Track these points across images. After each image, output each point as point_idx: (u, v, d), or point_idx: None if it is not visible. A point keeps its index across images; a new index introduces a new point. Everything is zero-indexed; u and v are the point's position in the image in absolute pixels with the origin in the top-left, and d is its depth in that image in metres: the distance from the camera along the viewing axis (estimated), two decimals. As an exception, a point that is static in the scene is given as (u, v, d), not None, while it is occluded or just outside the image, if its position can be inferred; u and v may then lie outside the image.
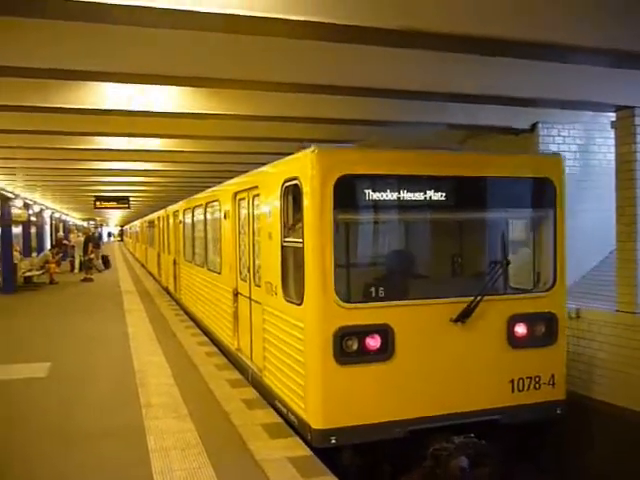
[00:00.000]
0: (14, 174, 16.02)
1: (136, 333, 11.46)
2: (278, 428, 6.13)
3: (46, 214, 31.43)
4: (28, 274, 21.09)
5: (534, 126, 8.42)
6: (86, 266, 24.83)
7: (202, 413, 6.59)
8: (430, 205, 6.21)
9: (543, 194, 6.65)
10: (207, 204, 11.49)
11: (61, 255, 26.46)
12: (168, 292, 18.38)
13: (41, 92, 6.50)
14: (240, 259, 8.79)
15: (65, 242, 28.52)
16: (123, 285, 21.80)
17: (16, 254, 20.67)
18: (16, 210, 21.90)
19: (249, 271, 8.20)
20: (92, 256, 25.56)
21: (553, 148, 8.50)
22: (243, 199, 8.48)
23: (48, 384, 8.06)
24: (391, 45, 4.69)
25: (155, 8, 3.58)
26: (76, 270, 27.07)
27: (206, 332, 11.32)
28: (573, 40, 4.31)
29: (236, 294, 8.91)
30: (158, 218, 21.88)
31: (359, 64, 5.61)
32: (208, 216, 11.55)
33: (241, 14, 3.66)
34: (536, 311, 6.56)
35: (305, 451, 5.55)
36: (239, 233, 8.81)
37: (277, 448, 5.59)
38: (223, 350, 9.68)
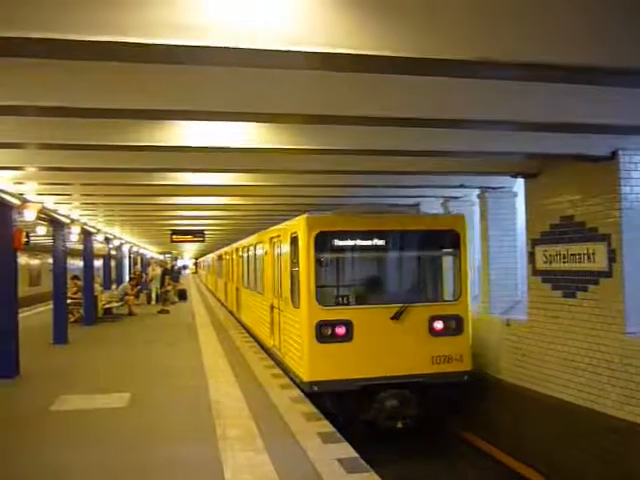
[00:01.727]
0: (96, 210, 16.64)
1: (211, 365, 11.61)
2: (353, 463, 6.06)
3: (125, 248, 32.45)
4: (108, 306, 21.75)
5: (614, 153, 8.16)
6: (162, 298, 25.41)
7: (278, 447, 6.58)
8: (375, 248, 10.70)
9: (451, 240, 10.74)
10: (256, 245, 16.38)
11: (139, 287, 27.17)
12: (231, 313, 23.10)
13: (120, 131, 6.74)
14: (274, 284, 12.97)
15: (142, 275, 29.29)
16: (198, 317, 22.18)
17: (97, 286, 21.36)
18: (97, 244, 22.69)
19: (275, 290, 12.69)
20: (169, 288, 26.16)
21: (635, 175, 8.22)
22: (273, 243, 13.15)
23: (128, 414, 8.23)
24: (465, 76, 4.66)
25: (212, 47, 3.67)
26: (153, 302, 27.75)
27: (252, 335, 16.25)
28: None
29: (272, 307, 13.07)
30: (225, 253, 27.52)
31: (430, 95, 5.59)
32: (257, 253, 16.14)
33: (302, 50, 3.71)
34: (448, 313, 10.49)
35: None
36: (272, 265, 13.22)
37: (354, 483, 5.52)
38: (263, 347, 14.10)
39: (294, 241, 10.86)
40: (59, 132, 6.64)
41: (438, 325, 10.37)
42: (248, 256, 18.35)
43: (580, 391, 8.91)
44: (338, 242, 10.50)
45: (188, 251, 59.81)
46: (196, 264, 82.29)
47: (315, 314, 9.98)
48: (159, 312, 23.78)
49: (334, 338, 9.97)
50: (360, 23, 3.70)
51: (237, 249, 21.55)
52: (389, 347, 10.02)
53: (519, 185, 11.17)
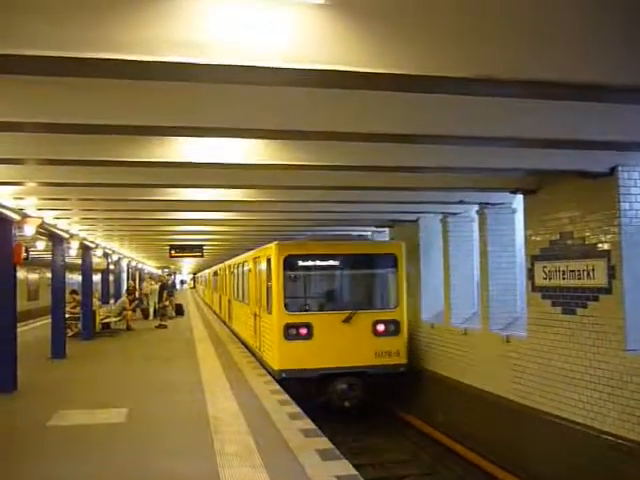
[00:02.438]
0: (95, 225, 16.64)
1: (209, 380, 11.58)
2: (351, 479, 6.03)
3: (123, 262, 32.40)
4: (106, 320, 21.69)
5: (613, 170, 8.18)
6: (160, 313, 25.38)
7: (276, 463, 6.54)
8: (330, 267, 14.10)
9: (391, 261, 13.86)
10: (243, 263, 19.94)
11: (136, 302, 27.14)
12: (224, 323, 26.00)
13: (120, 147, 6.75)
14: (254, 296, 16.35)
15: (137, 290, 29.16)
16: (196, 332, 22.13)
17: (95, 301, 21.32)
18: (96, 259, 22.67)
19: (257, 301, 15.78)
20: (167, 303, 26.12)
21: (635, 192, 8.23)
22: (255, 262, 16.44)
23: (126, 429, 8.19)
24: (466, 93, 4.68)
25: (214, 65, 3.69)
26: (150, 317, 27.69)
27: (240, 340, 19.13)
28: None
29: (254, 315, 16.12)
30: (219, 269, 31.12)
31: (431, 112, 5.62)
32: (244, 270, 19.46)
33: (303, 68, 3.74)
34: (388, 318, 13.42)
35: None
36: (254, 281, 16.45)
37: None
38: (248, 348, 16.82)
39: (268, 262, 14.17)
40: (59, 148, 6.66)
41: (380, 327, 13.47)
42: (237, 273, 21.92)
43: (581, 409, 8.89)
44: (302, 263, 13.87)
45: (187, 266, 59.82)
46: (194, 279, 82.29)
47: (283, 318, 13.18)
48: (157, 327, 23.73)
49: (298, 337, 13.08)
50: (361, 40, 3.72)
51: (229, 266, 25.15)
52: (341, 344, 12.98)
53: (518, 201, 11.19)
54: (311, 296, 14.36)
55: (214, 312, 33.50)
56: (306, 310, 13.70)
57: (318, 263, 14.05)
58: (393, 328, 13.46)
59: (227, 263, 26.19)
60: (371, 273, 14.75)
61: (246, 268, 18.89)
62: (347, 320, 13.15)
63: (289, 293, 13.62)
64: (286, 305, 13.28)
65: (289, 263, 13.53)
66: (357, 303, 13.82)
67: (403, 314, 13.70)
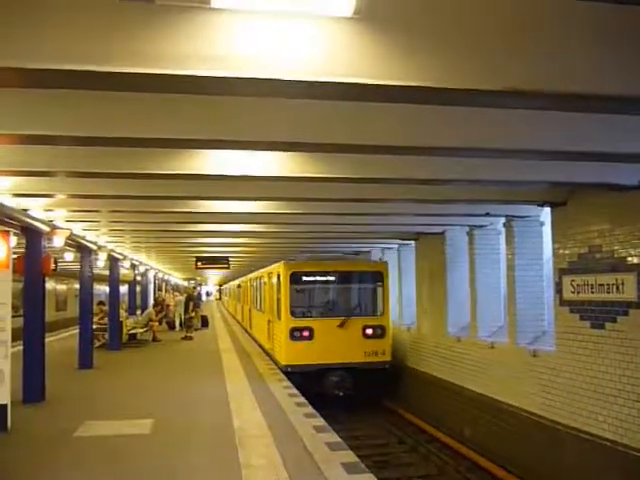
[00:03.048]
0: (122, 236, 16.82)
1: (235, 392, 11.58)
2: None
3: (150, 274, 32.66)
4: (133, 331, 21.85)
5: (642, 182, 8.07)
6: (186, 325, 25.49)
7: (302, 477, 6.52)
8: (328, 282, 16.84)
9: (378, 277, 16.71)
10: (260, 278, 23.05)
11: (163, 314, 27.32)
12: (245, 330, 28.84)
13: (148, 160, 6.83)
14: (268, 305, 19.36)
15: (163, 302, 29.33)
16: (221, 343, 22.18)
17: (122, 312, 21.49)
18: (123, 270, 22.88)
19: (270, 309, 18.73)
20: (193, 315, 26.23)
21: (663, 204, 8.13)
22: (269, 277, 19.51)
23: (151, 441, 8.22)
24: (493, 106, 4.67)
25: (241, 78, 3.72)
26: (177, 328, 27.83)
27: (257, 343, 21.90)
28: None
29: (268, 321, 19.08)
30: (241, 282, 34.78)
31: (459, 125, 5.61)
32: (261, 284, 22.44)
33: (330, 81, 3.76)
34: (375, 324, 16.11)
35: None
36: (268, 293, 19.51)
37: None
38: (264, 350, 19.45)
39: (278, 277, 17.25)
40: (88, 160, 6.77)
41: (369, 331, 16.33)
42: (255, 285, 25.12)
43: (610, 424, 8.74)
44: (305, 278, 16.84)
45: (212, 278, 60.09)
46: (220, 291, 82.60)
47: (289, 323, 16.19)
48: (183, 338, 23.83)
49: (301, 338, 15.99)
50: (387, 54, 3.73)
51: (250, 279, 28.18)
52: (336, 344, 15.79)
53: (546, 214, 11.09)
54: (312, 305, 17.31)
55: (237, 321, 36.34)
56: (308, 316, 16.79)
57: (318, 278, 17.12)
58: (380, 332, 16.46)
59: (248, 277, 29.27)
60: (361, 287, 17.68)
61: (262, 282, 22.05)
62: (341, 325, 16.17)
63: (294, 303, 16.67)
64: (292, 312, 16.42)
65: (294, 278, 16.60)
66: (350, 311, 16.84)
67: (388, 320, 16.87)
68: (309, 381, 14.83)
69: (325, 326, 16.10)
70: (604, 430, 8.83)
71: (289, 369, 15.26)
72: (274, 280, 18.25)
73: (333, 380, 15.59)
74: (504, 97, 4.08)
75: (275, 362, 16.58)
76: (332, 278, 17.03)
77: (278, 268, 17.51)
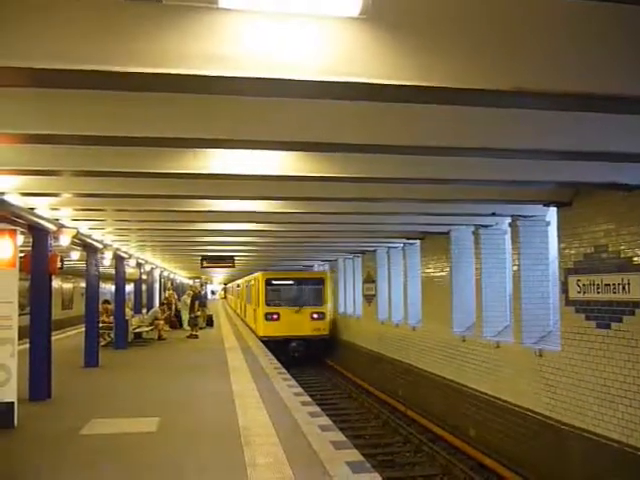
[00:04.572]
0: (128, 235, 16.86)
1: (240, 390, 11.60)
2: (383, 494, 6.00)
3: (156, 272, 32.72)
4: (138, 330, 21.89)
5: (648, 182, 8.06)
6: (192, 323, 25.56)
7: (307, 475, 6.53)
8: (289, 284, 27.76)
9: (321, 282, 27.62)
10: (249, 281, 34.48)
11: (169, 313, 27.42)
12: (242, 319, 38.34)
13: (154, 159, 6.84)
14: (253, 299, 30.06)
15: (174, 300, 29.45)
16: (226, 342, 22.22)
17: (128, 311, 21.53)
18: (129, 269, 22.93)
19: (255, 301, 29.14)
20: (198, 313, 26.30)
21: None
22: (255, 281, 30.29)
23: (157, 439, 8.25)
24: (502, 106, 4.67)
25: (248, 78, 3.73)
26: (184, 327, 27.89)
27: (247, 325, 32.15)
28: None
29: (254, 310, 29.13)
30: (239, 284, 46.03)
31: (464, 125, 5.61)
32: (250, 284, 32.76)
33: (338, 81, 3.76)
34: (319, 311, 26.61)
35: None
36: (254, 291, 30.18)
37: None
38: (251, 329, 29.24)
39: (258, 281, 27.98)
40: (94, 159, 6.79)
41: (315, 315, 26.24)
42: (248, 286, 35.34)
43: (615, 425, 8.73)
44: (274, 282, 27.09)
45: (218, 277, 60.18)
46: (225, 289, 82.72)
47: (265, 309, 26.18)
48: (188, 337, 23.86)
49: (272, 319, 26.02)
50: (394, 53, 3.73)
51: (246, 281, 37.98)
52: (294, 323, 25.54)
53: (552, 214, 11.07)
54: (279, 299, 27.33)
55: (237, 314, 46.03)
56: (277, 305, 26.87)
57: (282, 282, 27.68)
58: (321, 316, 26.77)
59: (245, 279, 39.51)
60: (310, 288, 27.57)
61: (250, 284, 33.39)
62: (297, 311, 26.45)
63: (268, 297, 27.13)
64: (267, 303, 26.85)
65: (268, 282, 27.33)
66: (302, 303, 26.90)
67: (327, 309, 27.19)
68: (277, 346, 23.40)
69: (287, 312, 26.47)
70: (610, 431, 8.81)
71: (264, 339, 23.93)
72: (256, 283, 29.57)
73: (292, 346, 25.70)
74: (510, 97, 4.09)
75: (255, 334, 26.50)
76: (291, 282, 27.76)
77: (259, 276, 28.36)
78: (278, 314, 26.17)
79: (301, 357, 25.22)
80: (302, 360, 24.91)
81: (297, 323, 25.69)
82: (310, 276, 29.08)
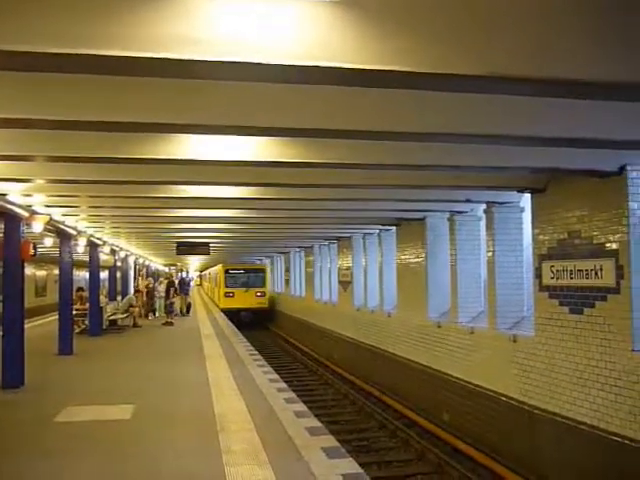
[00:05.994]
0: (102, 222, 16.69)
1: (216, 377, 11.59)
2: (358, 479, 6.02)
3: (130, 260, 32.46)
4: (113, 317, 21.75)
5: (622, 169, 8.14)
6: (167, 310, 25.48)
7: (282, 461, 6.54)
8: (241, 273, 40.78)
9: (263, 271, 41.58)
10: (216, 270, 47.55)
11: (144, 302, 27.26)
12: (210, 299, 50.50)
13: (128, 144, 6.75)
14: (217, 283, 44.91)
15: (151, 287, 29.21)
16: (202, 328, 22.19)
17: (102, 298, 21.35)
18: (103, 256, 22.72)
19: (217, 284, 44.66)
20: (173, 300, 26.20)
21: (644, 190, 8.25)
22: (218, 270, 43.79)
23: (132, 426, 8.21)
24: (479, 91, 4.66)
25: (222, 62, 3.69)
26: (159, 314, 27.77)
27: (213, 301, 47.40)
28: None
29: (218, 290, 42.95)
30: (209, 273, 60.23)
31: (440, 111, 5.61)
32: (215, 273, 47.78)
33: (311, 65, 3.73)
34: (261, 291, 39.97)
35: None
36: (219, 278, 43.24)
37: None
38: (216, 305, 42.46)
39: (220, 271, 41.90)
40: (67, 145, 6.67)
41: (258, 294, 39.35)
42: (216, 273, 46.50)
43: (587, 409, 8.87)
44: (231, 272, 40.09)
45: (193, 264, 59.97)
46: (200, 277, 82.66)
47: (224, 290, 39.66)
48: (163, 324, 23.79)
49: (229, 297, 39.11)
50: (369, 38, 3.71)
51: (216, 270, 46.84)
52: (244, 299, 38.62)
53: (526, 200, 11.16)
54: (234, 283, 39.32)
55: (208, 296, 56.14)
56: (232, 287, 39.15)
57: (237, 272, 39.87)
58: (263, 294, 39.36)
59: (214, 268, 49.76)
60: (255, 275, 40.11)
61: (216, 272, 45.85)
62: (246, 291, 38.81)
63: (227, 282, 39.45)
64: (226, 285, 39.36)
65: (227, 271, 39.75)
66: (250, 285, 39.28)
67: (267, 290, 39.88)
68: (232, 315, 32.19)
69: (240, 292, 38.71)
70: (582, 415, 8.95)
71: (224, 310, 34.82)
72: (218, 272, 42.62)
73: (243, 314, 36.89)
74: (486, 82, 4.09)
75: (218, 307, 38.27)
76: (242, 271, 39.98)
77: (220, 267, 41.02)
78: (233, 293, 38.84)
79: (249, 322, 36.04)
80: (250, 325, 35.07)
81: (246, 299, 38.43)
82: (255, 267, 41.61)
